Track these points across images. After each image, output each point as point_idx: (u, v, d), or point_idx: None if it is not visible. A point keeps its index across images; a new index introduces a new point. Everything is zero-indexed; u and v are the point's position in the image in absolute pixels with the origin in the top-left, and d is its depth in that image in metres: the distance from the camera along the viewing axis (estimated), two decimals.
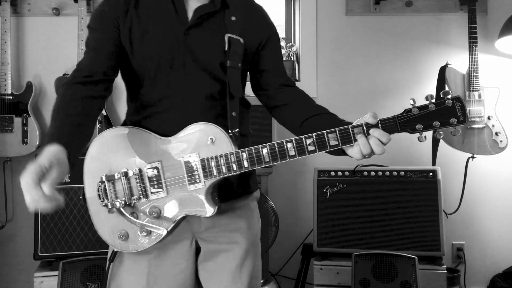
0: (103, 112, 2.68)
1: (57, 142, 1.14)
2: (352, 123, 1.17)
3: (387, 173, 2.43)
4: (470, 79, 2.73)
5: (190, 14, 1.27)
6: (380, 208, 2.40)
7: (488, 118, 2.71)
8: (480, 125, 2.71)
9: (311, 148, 1.14)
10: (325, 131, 1.14)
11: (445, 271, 2.33)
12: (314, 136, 1.14)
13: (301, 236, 2.79)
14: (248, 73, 1.41)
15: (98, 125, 2.65)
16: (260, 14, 1.39)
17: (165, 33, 1.26)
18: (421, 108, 1.12)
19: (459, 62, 2.83)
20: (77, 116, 1.19)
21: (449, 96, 1.11)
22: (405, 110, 1.13)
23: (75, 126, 1.18)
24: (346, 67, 2.98)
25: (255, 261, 1.35)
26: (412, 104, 1.12)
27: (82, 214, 2.35)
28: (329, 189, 2.46)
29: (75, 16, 2.70)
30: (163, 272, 1.28)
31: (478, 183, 2.92)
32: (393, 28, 2.98)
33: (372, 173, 2.44)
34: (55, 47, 2.85)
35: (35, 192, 1.05)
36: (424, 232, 2.34)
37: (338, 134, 1.14)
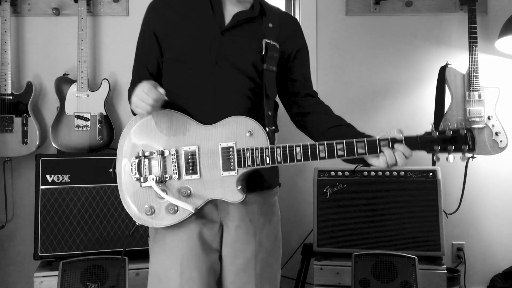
0: (103, 112, 2.68)
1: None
2: (370, 135, 1.32)
3: (387, 173, 2.43)
4: (470, 79, 2.73)
5: (227, 18, 1.40)
6: (380, 208, 2.40)
7: (488, 118, 2.71)
8: (480, 125, 2.71)
9: (340, 152, 1.27)
10: (354, 140, 1.27)
11: (445, 271, 2.33)
12: (344, 143, 1.27)
13: (301, 236, 2.78)
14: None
15: (98, 125, 2.66)
16: (295, 26, 1.53)
17: (200, 30, 1.38)
18: (440, 132, 1.29)
19: (459, 62, 2.83)
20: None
21: (465, 127, 1.29)
22: (426, 132, 1.30)
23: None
24: (346, 67, 2.98)
25: (271, 254, 1.44)
26: (431, 129, 1.30)
27: (82, 214, 2.35)
28: (329, 189, 2.46)
29: (75, 16, 2.70)
30: (194, 255, 1.34)
31: (478, 183, 2.92)
32: (393, 28, 2.98)
33: (372, 173, 2.44)
34: (55, 47, 2.85)
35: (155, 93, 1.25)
36: (424, 232, 2.34)
37: (366, 143, 1.28)
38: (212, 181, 1.30)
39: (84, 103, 2.66)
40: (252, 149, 1.28)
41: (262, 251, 1.42)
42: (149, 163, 1.32)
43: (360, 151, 1.28)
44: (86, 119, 2.65)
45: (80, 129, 2.64)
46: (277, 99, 1.54)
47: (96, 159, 2.42)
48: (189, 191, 1.30)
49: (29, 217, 2.46)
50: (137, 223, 1.34)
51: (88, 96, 2.67)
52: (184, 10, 1.42)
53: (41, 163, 2.35)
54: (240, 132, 1.30)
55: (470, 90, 2.73)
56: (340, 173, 2.46)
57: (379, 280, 2.21)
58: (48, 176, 2.35)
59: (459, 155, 1.29)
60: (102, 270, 2.15)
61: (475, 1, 2.75)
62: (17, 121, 2.63)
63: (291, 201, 2.93)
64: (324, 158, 1.27)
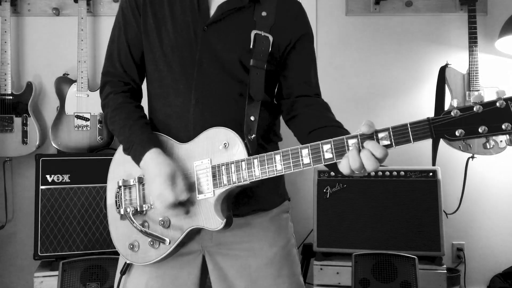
0: (104, 112, 2.68)
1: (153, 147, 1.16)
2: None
3: (387, 173, 2.42)
4: (470, 79, 2.73)
5: (213, 10, 1.20)
6: (380, 208, 2.40)
7: None
8: None
9: (306, 160, 1.01)
10: (320, 142, 1.00)
11: (445, 271, 2.32)
12: (309, 147, 1.01)
13: (301, 236, 2.78)
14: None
15: (98, 125, 2.65)
16: (294, 11, 1.27)
17: (182, 28, 1.19)
18: (463, 109, 0.89)
19: (459, 62, 2.83)
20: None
21: (504, 96, 0.88)
22: (442, 111, 0.92)
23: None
24: (346, 67, 2.98)
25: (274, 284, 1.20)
26: (450, 106, 0.97)
27: (82, 214, 2.35)
28: (329, 189, 2.46)
29: (75, 16, 2.70)
30: (162, 284, 1.20)
31: (478, 183, 2.92)
32: (393, 28, 2.98)
33: (372, 173, 2.44)
34: (55, 47, 2.85)
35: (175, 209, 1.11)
36: (424, 232, 2.34)
37: (332, 145, 0.99)
38: (188, 207, 1.12)
39: (84, 103, 2.66)
40: (227, 164, 1.08)
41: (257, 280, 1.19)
42: (130, 193, 1.18)
43: (328, 156, 0.99)
44: (86, 119, 2.65)
45: (80, 129, 2.64)
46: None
47: (96, 159, 2.42)
48: (168, 221, 1.14)
49: (29, 217, 2.46)
50: (127, 261, 1.22)
51: (88, 96, 2.67)
52: (171, 2, 1.23)
53: (41, 163, 2.35)
54: (215, 145, 1.10)
55: (470, 90, 2.73)
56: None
57: (379, 280, 2.21)
58: (48, 176, 2.35)
59: (500, 138, 0.92)
60: (102, 270, 2.15)
61: (475, 1, 2.74)
62: (17, 121, 2.63)
63: (291, 201, 2.92)
64: (309, 165, 1.01)
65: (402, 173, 2.41)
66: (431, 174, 2.39)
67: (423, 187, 2.38)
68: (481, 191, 2.94)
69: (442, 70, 2.78)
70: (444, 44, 2.96)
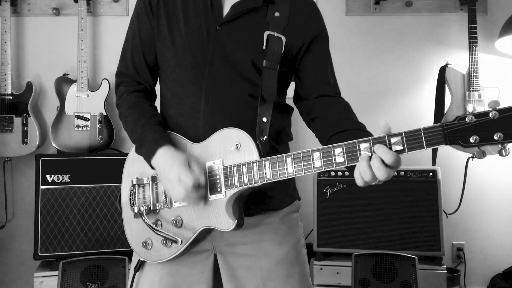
0: (103, 112, 2.68)
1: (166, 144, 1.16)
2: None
3: None
4: (470, 79, 2.73)
5: (226, 10, 1.20)
6: (380, 208, 2.40)
7: None
8: None
9: (317, 164, 1.00)
10: (331, 145, 0.99)
11: (445, 271, 2.33)
12: (320, 150, 1.00)
13: None
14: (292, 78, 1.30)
15: (98, 125, 2.65)
16: (308, 11, 1.25)
17: (194, 29, 1.19)
18: (478, 115, 0.87)
19: (459, 62, 2.83)
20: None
21: None
22: (457, 117, 0.89)
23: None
24: (346, 67, 2.98)
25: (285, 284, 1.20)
26: (464, 112, 0.93)
27: (82, 214, 2.35)
28: (329, 189, 2.46)
29: (75, 16, 2.70)
30: (176, 282, 1.20)
31: (478, 183, 2.92)
32: (393, 28, 2.98)
33: None
34: (55, 47, 2.85)
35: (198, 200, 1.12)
36: (424, 232, 2.34)
37: (344, 148, 0.97)
38: (201, 207, 1.12)
39: (84, 103, 2.66)
40: (239, 165, 1.08)
41: (268, 281, 1.19)
42: (143, 191, 1.20)
43: (339, 160, 0.97)
44: (86, 119, 2.65)
45: (80, 129, 2.64)
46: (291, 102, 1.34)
47: (96, 159, 2.42)
48: (180, 220, 1.15)
49: (29, 217, 2.46)
50: (140, 259, 1.22)
51: (88, 96, 2.67)
52: (184, 2, 1.23)
53: (41, 163, 2.35)
54: (227, 146, 1.11)
55: (470, 90, 2.73)
56: (340, 173, 2.46)
57: (379, 280, 2.21)
58: (48, 176, 2.35)
59: None
60: (102, 270, 2.15)
61: (475, 1, 2.74)
62: (17, 121, 2.63)
63: None
64: (320, 168, 1.00)
65: (402, 173, 2.41)
66: (431, 174, 2.39)
67: (423, 187, 2.39)
68: (481, 191, 2.94)
69: (442, 70, 2.78)
70: (444, 44, 2.96)
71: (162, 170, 1.13)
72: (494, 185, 2.94)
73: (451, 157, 2.83)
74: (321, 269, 2.39)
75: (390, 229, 2.38)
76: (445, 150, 2.77)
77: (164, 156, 1.12)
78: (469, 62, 2.74)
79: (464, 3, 2.83)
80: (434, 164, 2.74)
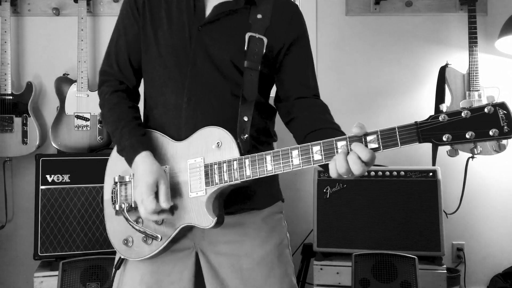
0: (101, 112, 2.68)
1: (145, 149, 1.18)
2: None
3: (387, 173, 2.42)
4: (470, 79, 2.73)
5: (209, 11, 1.22)
6: (380, 208, 2.40)
7: None
8: None
9: (295, 162, 1.03)
10: (310, 144, 1.01)
11: (445, 271, 2.32)
12: (299, 148, 1.03)
13: (301, 236, 2.79)
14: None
15: (98, 125, 2.66)
16: (290, 12, 1.27)
17: (177, 29, 1.22)
18: (451, 114, 0.90)
19: (459, 62, 2.83)
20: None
21: (492, 102, 0.88)
22: (430, 116, 0.92)
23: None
24: (346, 67, 2.98)
25: (266, 282, 1.20)
26: (439, 110, 0.93)
27: (82, 214, 2.35)
28: (329, 189, 2.46)
29: (75, 16, 2.70)
30: (157, 280, 1.21)
31: (478, 183, 2.92)
32: (393, 28, 2.98)
33: (372, 173, 2.44)
34: (55, 47, 2.86)
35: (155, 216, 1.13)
36: (424, 232, 2.34)
37: (322, 147, 1.00)
38: (182, 204, 1.14)
39: (84, 103, 2.66)
40: (219, 163, 1.09)
41: (249, 279, 1.20)
42: (125, 189, 1.20)
43: (317, 157, 1.00)
44: (86, 119, 2.65)
45: (80, 129, 2.64)
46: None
47: (96, 159, 2.42)
48: (162, 218, 1.15)
49: (29, 217, 2.46)
50: (121, 256, 1.24)
51: (88, 96, 2.67)
52: (169, 2, 1.25)
53: (41, 163, 2.35)
54: (208, 144, 1.12)
55: (470, 90, 2.73)
56: None
57: (379, 280, 2.21)
58: (48, 176, 2.35)
59: (487, 144, 0.89)
60: (102, 270, 2.15)
61: (475, 1, 2.74)
62: (17, 121, 2.63)
63: (291, 201, 2.92)
64: (298, 166, 1.03)
65: (402, 173, 2.41)
66: (431, 174, 2.39)
67: (423, 187, 2.38)
68: (481, 191, 2.94)
69: (442, 70, 2.78)
70: (444, 44, 2.96)
71: (136, 179, 1.16)
72: (494, 185, 2.94)
73: (451, 157, 2.82)
74: (321, 269, 2.39)
75: (390, 229, 2.37)
76: (445, 151, 2.76)
77: (140, 166, 1.15)
78: (469, 62, 2.74)
79: (464, 3, 2.83)
80: (434, 164, 2.74)
